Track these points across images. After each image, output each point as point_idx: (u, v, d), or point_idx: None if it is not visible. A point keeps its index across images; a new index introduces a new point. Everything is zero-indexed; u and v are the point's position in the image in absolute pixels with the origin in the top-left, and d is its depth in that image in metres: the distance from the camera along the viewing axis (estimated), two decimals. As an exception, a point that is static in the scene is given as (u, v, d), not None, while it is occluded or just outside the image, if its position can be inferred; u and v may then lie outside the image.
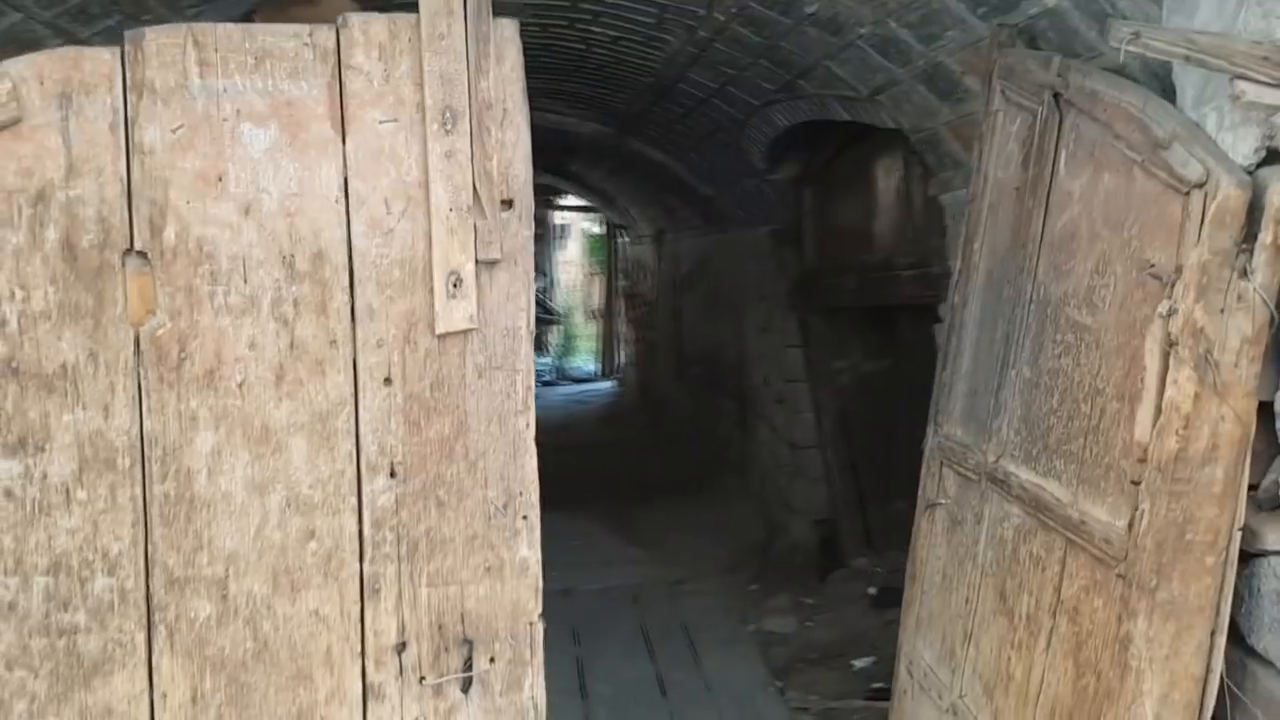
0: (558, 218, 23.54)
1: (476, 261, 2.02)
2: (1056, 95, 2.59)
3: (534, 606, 2.08)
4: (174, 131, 1.92)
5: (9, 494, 1.85)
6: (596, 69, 6.26)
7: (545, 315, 23.30)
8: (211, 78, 1.93)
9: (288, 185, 1.97)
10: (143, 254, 1.91)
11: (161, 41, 1.91)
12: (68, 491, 1.88)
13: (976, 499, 2.87)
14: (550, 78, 6.59)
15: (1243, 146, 2.02)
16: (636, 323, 16.82)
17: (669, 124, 7.18)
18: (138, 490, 1.90)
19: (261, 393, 1.96)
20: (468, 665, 2.04)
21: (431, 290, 2.01)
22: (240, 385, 1.95)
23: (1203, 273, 1.92)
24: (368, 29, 1.99)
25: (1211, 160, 2.02)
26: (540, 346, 23.26)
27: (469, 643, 2.04)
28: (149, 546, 1.91)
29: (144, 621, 1.91)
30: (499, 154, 2.03)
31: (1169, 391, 1.98)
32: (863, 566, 6.79)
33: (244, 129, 1.95)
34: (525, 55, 2.06)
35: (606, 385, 19.70)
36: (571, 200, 19.76)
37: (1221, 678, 2.04)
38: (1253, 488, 2.07)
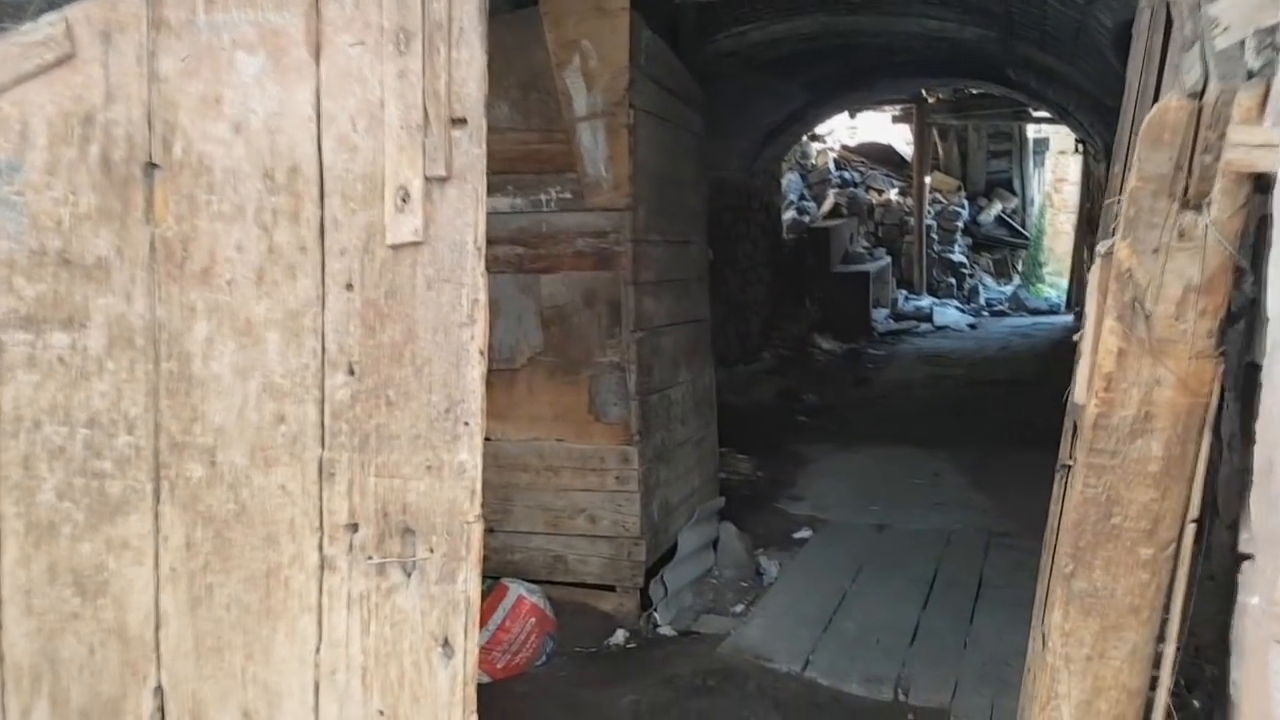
0: (1032, 131, 21.88)
1: (425, 178, 2.14)
2: (1170, -12, 2.13)
3: (469, 507, 2.19)
4: (183, 61, 2.23)
5: (61, 360, 2.30)
6: (942, -30, 5.92)
7: (1011, 238, 21.96)
8: (214, 12, 2.21)
9: (271, 106, 2.21)
10: (158, 166, 2.25)
11: (176, -18, 2.21)
12: (100, 362, 2.29)
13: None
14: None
15: (1251, 43, 1.58)
16: (1093, 249, 15.49)
17: (1038, 25, 6.58)
18: (150, 366, 2.27)
19: (245, 290, 2.24)
20: (410, 553, 2.21)
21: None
22: (229, 283, 2.24)
23: (1131, 203, 1.55)
24: (344, -41, 2.15)
25: (1213, 64, 1.60)
26: (1003, 273, 21.99)
27: (411, 532, 2.21)
28: (157, 414, 2.28)
29: (153, 475, 2.29)
30: (451, 73, 2.12)
31: (1098, 346, 1.63)
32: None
33: (238, 56, 2.21)
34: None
35: (1066, 319, 18.34)
36: (1044, 113, 18.18)
37: (1169, 699, 1.67)
38: None
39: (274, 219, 2.22)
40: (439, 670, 2.20)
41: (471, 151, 2.14)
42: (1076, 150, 17.16)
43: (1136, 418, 1.60)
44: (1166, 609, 1.65)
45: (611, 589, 4.86)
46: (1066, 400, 2.90)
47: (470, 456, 2.19)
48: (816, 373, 12.27)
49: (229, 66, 2.21)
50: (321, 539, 2.25)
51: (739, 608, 5.25)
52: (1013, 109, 18.35)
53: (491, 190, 2.25)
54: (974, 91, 17.59)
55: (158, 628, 2.32)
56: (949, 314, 17.56)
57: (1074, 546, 1.68)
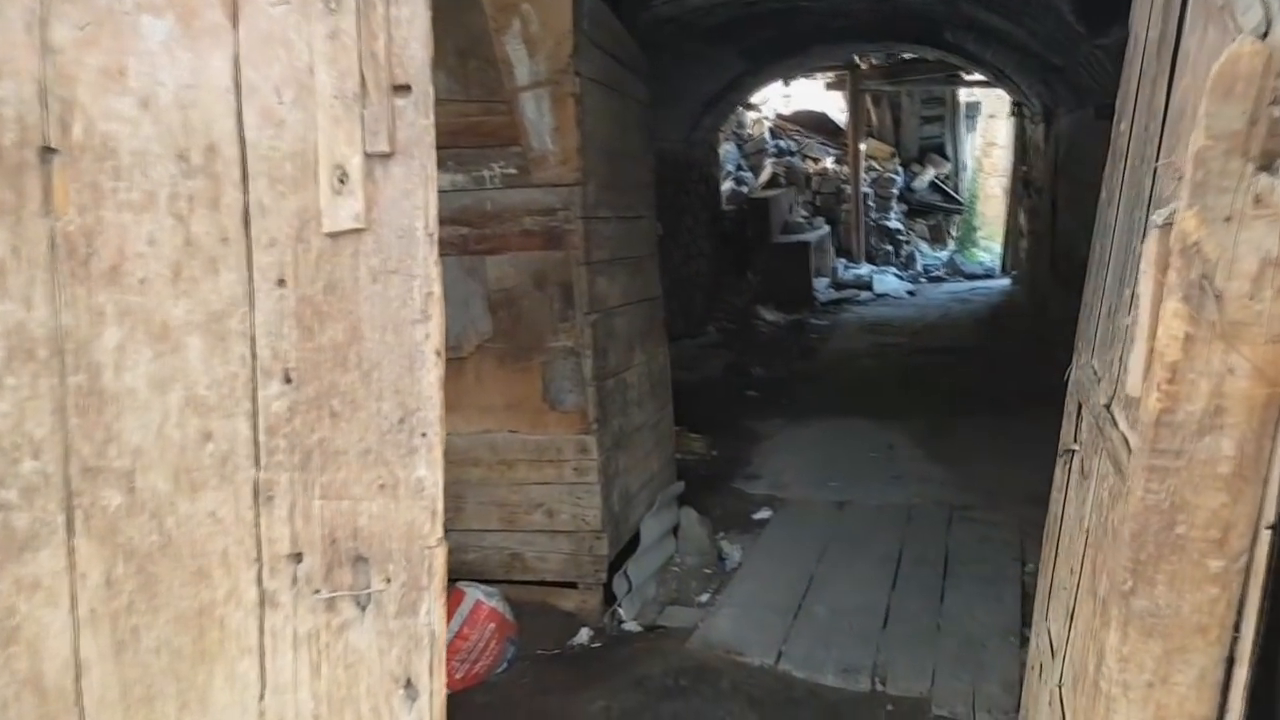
0: (964, 95, 21.95)
1: (365, 155, 1.86)
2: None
3: (430, 529, 1.94)
4: (80, 29, 1.92)
5: (-48, 378, 1.99)
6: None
7: (946, 204, 22.02)
8: (112, -31, 1.90)
9: (182, 77, 1.91)
10: (56, 150, 1.94)
11: (65, -65, 1.90)
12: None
13: (1092, 448, 2.31)
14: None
15: (1328, -22, 1.37)
16: (1030, 212, 15.60)
17: (985, -20, 6.41)
18: (55, 380, 1.98)
19: (161, 289, 1.95)
20: (364, 584, 1.96)
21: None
22: (141, 282, 1.95)
23: (1198, 165, 1.34)
24: (261, -95, 1.86)
25: (1277, 3, 1.39)
26: (938, 239, 22.06)
27: (364, 560, 1.95)
28: (66, 435, 1.99)
29: (64, 505, 2.00)
30: (390, 32, 1.84)
31: (1159, 331, 1.43)
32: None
33: (143, 21, 1.91)
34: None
35: (1002, 283, 18.49)
36: (978, 76, 18.14)
37: (1241, 724, 1.48)
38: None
39: (190, 206, 1.93)
40: (401, 715, 1.94)
41: (418, 123, 1.87)
42: (1011, 114, 17.12)
43: (1205, 412, 1.39)
44: (1236, 627, 1.47)
45: (573, 586, 4.63)
46: (1067, 379, 2.73)
47: (429, 472, 1.94)
48: (762, 345, 12.13)
49: (133, 33, 1.91)
50: (260, 571, 1.98)
51: (704, 597, 5.05)
52: (945, 73, 18.30)
53: (431, 167, 1.98)
54: (906, 57, 17.50)
55: (79, 677, 2.03)
56: (888, 281, 17.54)
57: (1133, 560, 1.48)
